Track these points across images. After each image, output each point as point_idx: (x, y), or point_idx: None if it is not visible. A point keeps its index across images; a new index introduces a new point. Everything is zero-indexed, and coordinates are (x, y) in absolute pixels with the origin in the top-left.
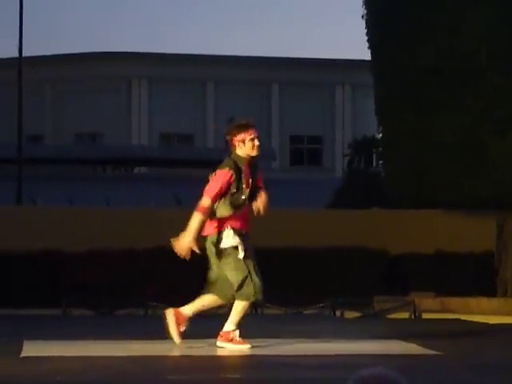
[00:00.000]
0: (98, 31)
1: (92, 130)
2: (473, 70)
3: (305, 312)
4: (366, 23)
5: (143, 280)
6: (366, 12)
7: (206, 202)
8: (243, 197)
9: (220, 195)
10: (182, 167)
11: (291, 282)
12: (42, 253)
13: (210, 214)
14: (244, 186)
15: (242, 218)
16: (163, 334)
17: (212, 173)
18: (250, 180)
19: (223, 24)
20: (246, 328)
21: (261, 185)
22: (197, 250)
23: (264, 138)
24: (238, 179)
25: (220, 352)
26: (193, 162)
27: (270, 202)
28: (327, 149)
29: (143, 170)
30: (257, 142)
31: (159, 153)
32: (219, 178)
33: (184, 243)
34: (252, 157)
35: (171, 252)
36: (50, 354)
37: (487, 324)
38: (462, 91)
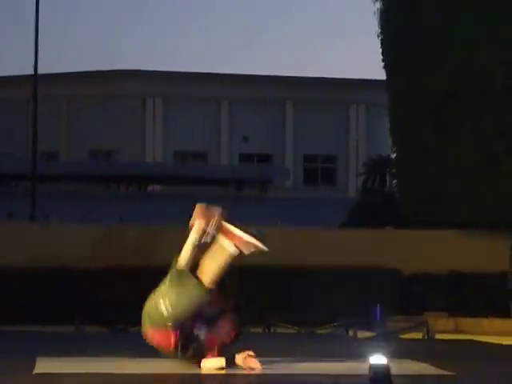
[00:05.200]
0: (113, 49)
1: (106, 148)
2: (488, 92)
3: (318, 331)
4: (381, 43)
5: None
6: (380, 31)
7: None
8: None
9: None
10: (196, 185)
11: (304, 301)
12: (57, 269)
13: None
14: None
15: None
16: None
17: None
18: None
19: (238, 43)
20: (258, 346)
21: None
22: None
23: (278, 157)
24: None
25: (228, 370)
26: (207, 179)
27: (284, 220)
28: (341, 168)
29: (157, 187)
30: None
31: (173, 170)
32: None
33: None
34: None
35: None
36: (63, 371)
37: (501, 345)
38: (477, 113)
